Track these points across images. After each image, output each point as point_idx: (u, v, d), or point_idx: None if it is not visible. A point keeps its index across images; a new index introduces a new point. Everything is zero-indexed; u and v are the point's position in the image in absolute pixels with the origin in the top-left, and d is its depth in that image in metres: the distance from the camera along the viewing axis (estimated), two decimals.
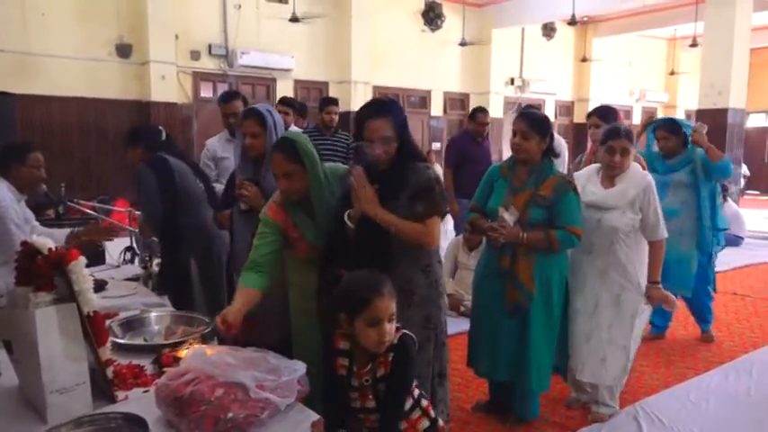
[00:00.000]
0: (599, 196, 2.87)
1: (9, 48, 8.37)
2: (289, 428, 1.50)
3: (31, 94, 8.56)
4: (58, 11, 8.75)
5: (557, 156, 2.85)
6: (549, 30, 14.52)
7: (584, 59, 15.16)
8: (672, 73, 16.67)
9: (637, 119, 16.31)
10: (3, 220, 2.65)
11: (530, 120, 2.72)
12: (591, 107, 14.35)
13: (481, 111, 5.63)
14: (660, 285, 2.92)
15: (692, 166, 3.85)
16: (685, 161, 3.88)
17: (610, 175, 2.91)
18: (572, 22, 11.08)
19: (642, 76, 16.42)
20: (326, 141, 4.69)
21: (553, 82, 14.66)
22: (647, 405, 3.17)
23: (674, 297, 3.02)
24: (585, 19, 14.02)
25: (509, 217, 2.68)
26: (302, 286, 2.34)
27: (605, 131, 2.98)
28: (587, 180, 2.97)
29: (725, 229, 4.04)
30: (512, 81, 14.02)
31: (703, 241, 3.84)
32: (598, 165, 3.01)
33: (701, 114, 10.24)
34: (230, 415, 1.41)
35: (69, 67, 8.87)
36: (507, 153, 3.57)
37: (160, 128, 3.32)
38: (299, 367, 1.62)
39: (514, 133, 2.73)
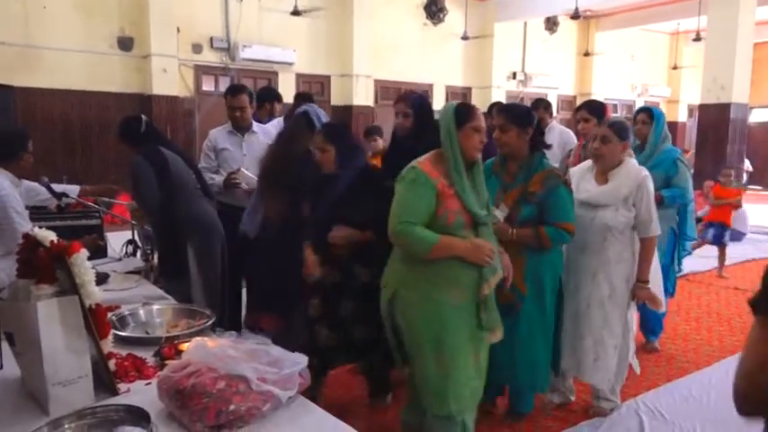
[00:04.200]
0: (592, 194, 2.81)
1: (10, 40, 8.36)
2: (290, 421, 1.50)
3: (32, 87, 8.56)
4: (60, 3, 8.73)
5: (548, 147, 2.82)
6: (551, 24, 14.46)
7: (586, 54, 15.10)
8: (675, 67, 16.61)
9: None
10: (4, 209, 2.66)
11: (506, 112, 2.73)
12: None
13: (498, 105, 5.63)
14: (648, 284, 2.84)
15: (667, 176, 3.73)
16: (658, 166, 3.73)
17: (601, 170, 2.85)
18: (575, 15, 11.02)
19: (645, 70, 16.37)
20: None
21: (555, 76, 14.62)
22: (649, 399, 3.17)
23: (661, 297, 2.96)
24: (588, 13, 13.97)
25: (499, 214, 2.64)
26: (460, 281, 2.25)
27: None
28: (581, 177, 2.91)
29: (693, 239, 3.96)
30: (514, 75, 13.98)
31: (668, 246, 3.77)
32: (590, 162, 2.95)
33: (704, 109, 10.23)
34: (232, 407, 1.41)
35: (71, 59, 8.86)
36: None
37: (142, 116, 3.30)
38: (301, 360, 1.62)
39: (494, 128, 2.73)
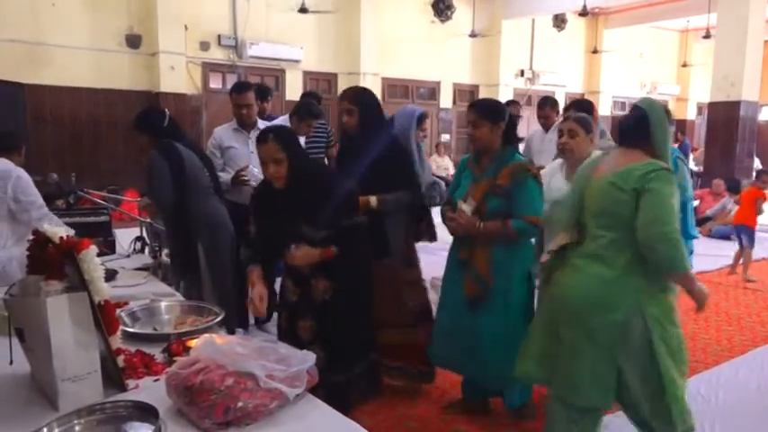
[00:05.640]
0: (562, 192, 2.75)
1: (19, 38, 8.41)
2: (297, 418, 1.50)
3: (41, 84, 8.61)
4: (68, 1, 8.78)
5: (520, 140, 2.81)
6: (559, 21, 14.41)
7: (595, 51, 15.05)
8: (684, 65, 16.53)
9: None
10: (23, 189, 2.88)
11: (478, 108, 2.73)
12: (602, 99, 14.13)
13: (515, 103, 5.65)
14: None
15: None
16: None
17: (572, 167, 2.78)
18: (583, 13, 10.99)
19: (654, 68, 16.29)
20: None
21: (563, 74, 14.57)
22: None
23: None
24: (597, 10, 13.90)
25: (467, 207, 2.64)
26: None
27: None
28: (551, 176, 2.87)
29: (695, 237, 3.94)
30: (522, 73, 13.95)
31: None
32: (561, 160, 2.91)
33: (714, 107, 10.16)
34: (240, 404, 1.41)
35: (79, 57, 8.90)
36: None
37: (165, 110, 3.31)
38: (309, 358, 1.62)
39: (468, 124, 2.73)
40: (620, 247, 2.09)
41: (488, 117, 2.67)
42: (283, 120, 4.21)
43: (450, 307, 2.80)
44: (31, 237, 1.69)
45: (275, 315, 4.11)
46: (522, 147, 5.35)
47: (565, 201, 2.36)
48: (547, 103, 5.02)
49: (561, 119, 3.66)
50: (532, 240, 2.79)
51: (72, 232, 2.66)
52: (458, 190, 2.81)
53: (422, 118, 3.28)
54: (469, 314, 2.69)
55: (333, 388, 2.38)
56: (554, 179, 2.86)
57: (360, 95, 2.95)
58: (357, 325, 2.52)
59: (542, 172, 3.00)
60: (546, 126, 5.01)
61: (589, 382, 2.13)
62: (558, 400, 2.25)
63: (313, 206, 2.33)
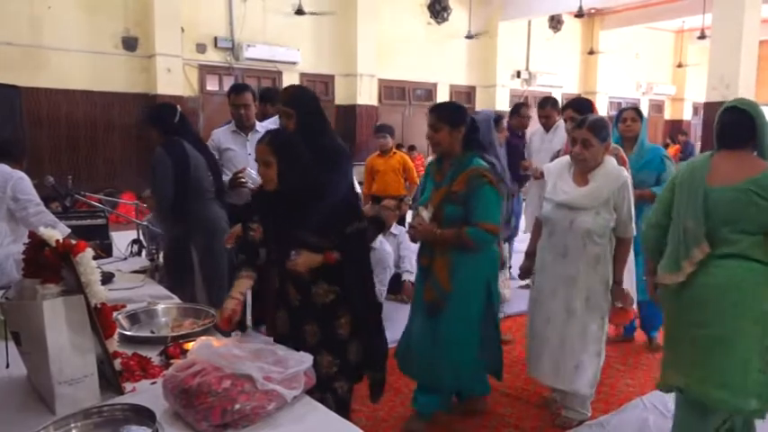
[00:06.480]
0: (571, 196, 2.69)
1: (16, 41, 8.40)
2: (295, 420, 1.50)
3: (37, 87, 8.60)
4: (65, 4, 8.76)
5: (482, 147, 2.80)
6: (555, 22, 14.45)
7: (591, 52, 15.08)
8: (679, 65, 16.58)
9: (644, 112, 16.21)
10: (24, 191, 2.96)
11: (438, 111, 2.70)
12: (598, 100, 14.11)
13: (525, 105, 5.68)
14: (623, 284, 2.76)
15: (658, 173, 3.66)
16: (649, 164, 3.69)
17: (581, 171, 2.71)
18: (579, 14, 11.01)
19: (649, 68, 16.33)
20: None
21: (560, 75, 14.60)
22: (654, 398, 3.16)
23: (632, 296, 2.89)
24: (593, 11, 13.93)
25: (426, 214, 2.62)
26: None
27: (573, 122, 2.91)
28: (558, 177, 2.79)
29: None
30: (518, 74, 13.97)
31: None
32: (568, 159, 2.82)
33: (709, 107, 10.19)
34: (237, 406, 1.41)
35: (76, 60, 8.89)
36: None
37: (176, 107, 3.30)
38: (306, 359, 1.62)
39: (428, 127, 2.70)
40: (762, 246, 2.11)
41: (447, 121, 2.62)
42: (274, 121, 4.20)
43: (412, 313, 2.83)
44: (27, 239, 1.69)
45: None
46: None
47: (687, 214, 2.22)
48: (548, 103, 5.01)
49: (562, 118, 3.65)
50: (495, 247, 2.75)
51: (68, 230, 2.69)
52: (422, 195, 2.79)
53: (498, 121, 3.27)
54: (426, 321, 2.69)
55: (340, 394, 2.32)
56: (561, 180, 2.77)
57: (296, 97, 2.70)
58: (364, 329, 2.44)
59: (548, 167, 2.95)
60: (547, 126, 5.01)
61: (740, 378, 2.12)
62: (695, 409, 2.24)
63: (314, 214, 2.25)
